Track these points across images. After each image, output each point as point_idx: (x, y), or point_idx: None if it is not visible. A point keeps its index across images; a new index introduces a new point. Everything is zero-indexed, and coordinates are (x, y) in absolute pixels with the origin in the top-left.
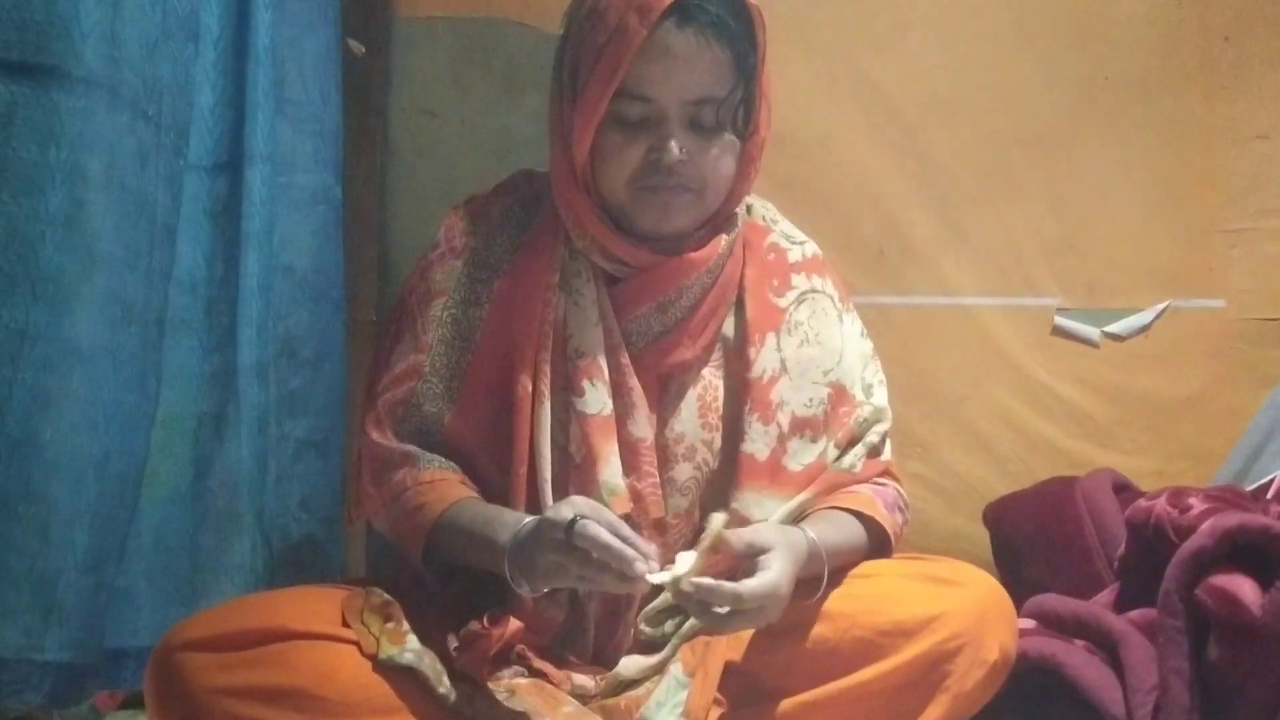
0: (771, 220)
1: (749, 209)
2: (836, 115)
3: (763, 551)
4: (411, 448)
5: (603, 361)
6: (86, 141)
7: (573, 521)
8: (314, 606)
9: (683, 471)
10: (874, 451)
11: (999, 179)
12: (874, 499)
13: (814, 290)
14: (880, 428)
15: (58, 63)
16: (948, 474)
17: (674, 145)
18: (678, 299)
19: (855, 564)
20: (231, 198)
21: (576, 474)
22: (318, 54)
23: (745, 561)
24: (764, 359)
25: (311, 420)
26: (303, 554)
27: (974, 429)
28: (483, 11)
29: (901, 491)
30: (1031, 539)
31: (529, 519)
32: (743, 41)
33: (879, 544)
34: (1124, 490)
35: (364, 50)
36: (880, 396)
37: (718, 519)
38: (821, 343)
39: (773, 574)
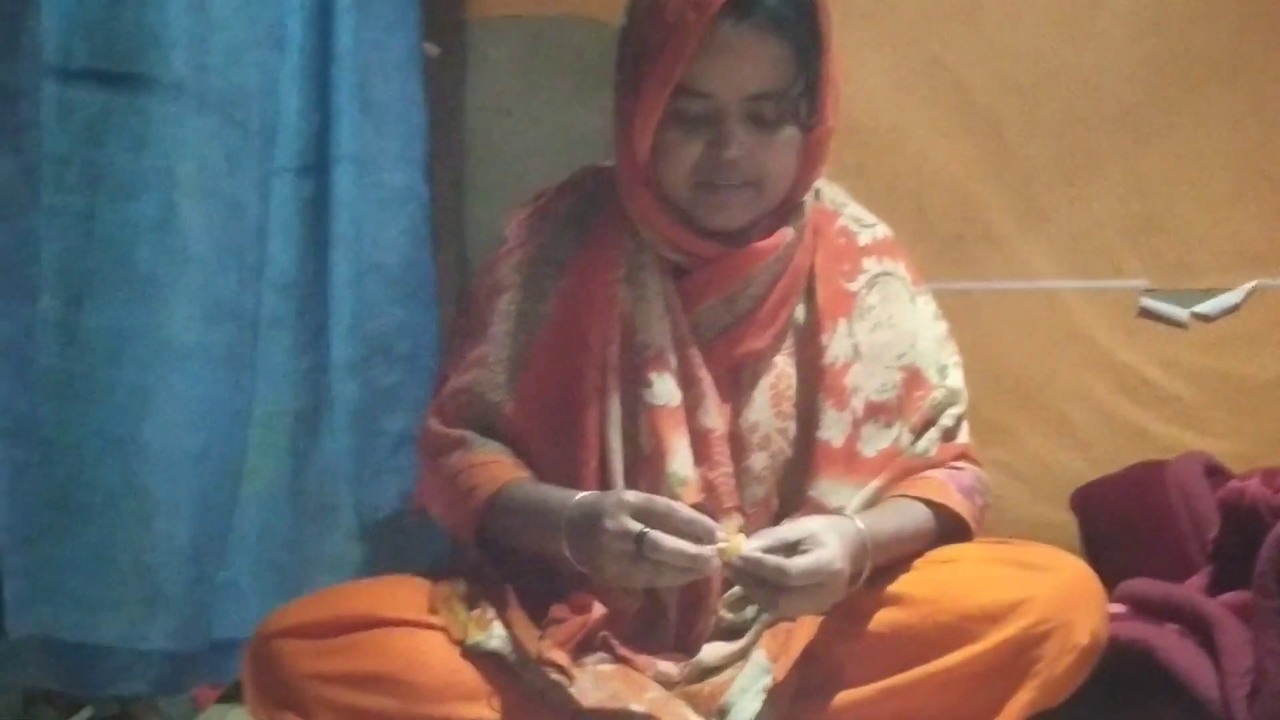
0: (840, 204)
1: (817, 193)
2: (909, 101)
3: (806, 537)
4: (466, 433)
5: (670, 353)
6: (177, 147)
7: (641, 534)
8: (403, 594)
9: (758, 461)
10: (948, 435)
11: (1080, 159)
12: (946, 484)
13: (885, 273)
14: (954, 410)
15: (149, 71)
16: (1031, 461)
17: (734, 142)
18: (745, 289)
19: (922, 551)
20: (320, 199)
21: (646, 466)
22: (400, 55)
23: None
24: (836, 345)
25: (408, 415)
26: (402, 546)
27: (1057, 415)
28: (552, 9)
29: (980, 475)
30: (1121, 524)
31: (577, 503)
32: (803, 32)
33: (954, 530)
34: (1215, 474)
35: (439, 51)
36: (955, 378)
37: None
38: (894, 326)
39: (823, 552)
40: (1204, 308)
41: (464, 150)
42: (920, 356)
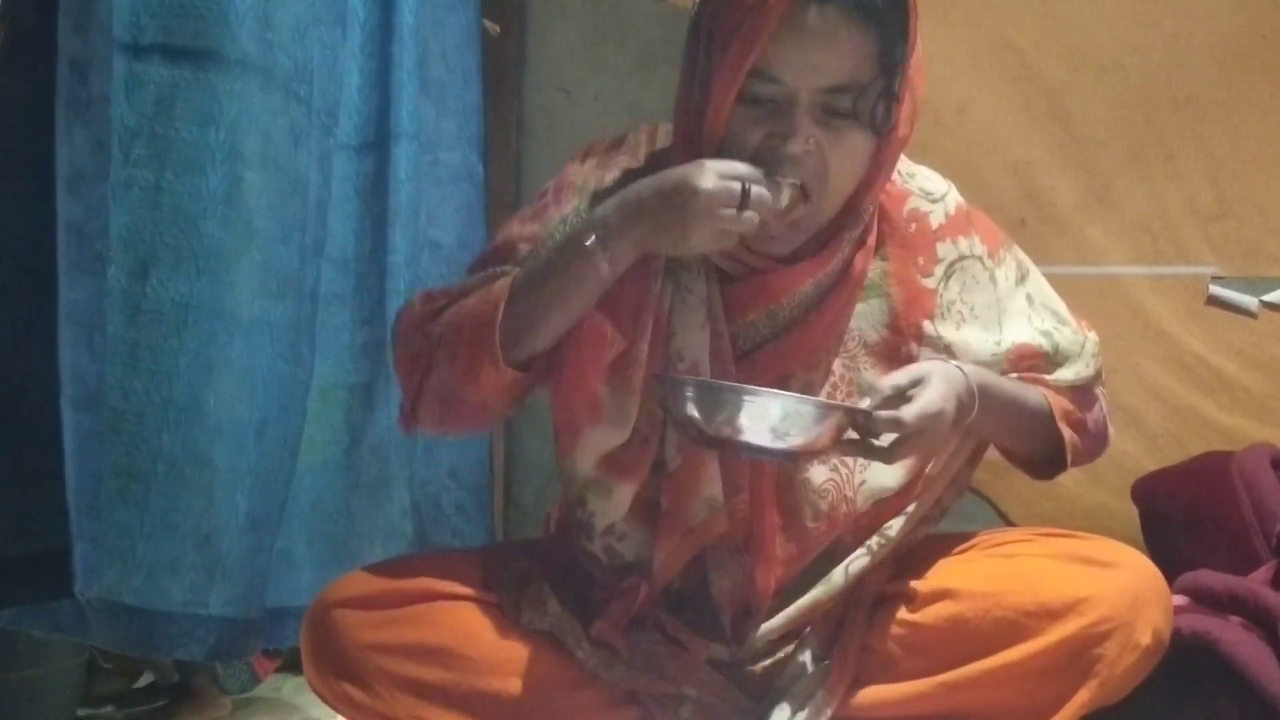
0: (908, 174)
1: None
2: (975, 81)
3: (915, 384)
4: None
5: (706, 367)
6: (243, 122)
7: (746, 189)
8: (458, 570)
9: (818, 474)
10: (1082, 395)
11: (1149, 142)
12: (1063, 398)
13: (961, 257)
14: (1070, 374)
15: (215, 47)
16: None
17: (800, 135)
18: (790, 302)
19: (1023, 429)
20: (379, 176)
21: (669, 483)
22: (458, 34)
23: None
24: (927, 352)
25: None
26: (452, 521)
27: (1121, 403)
28: None
29: (1102, 420)
30: (1184, 516)
31: (637, 188)
32: (892, 28)
33: (1056, 451)
34: None
35: (499, 30)
36: (1064, 336)
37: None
38: (978, 316)
39: (930, 394)
40: (1274, 296)
41: (522, 128)
42: (1015, 333)
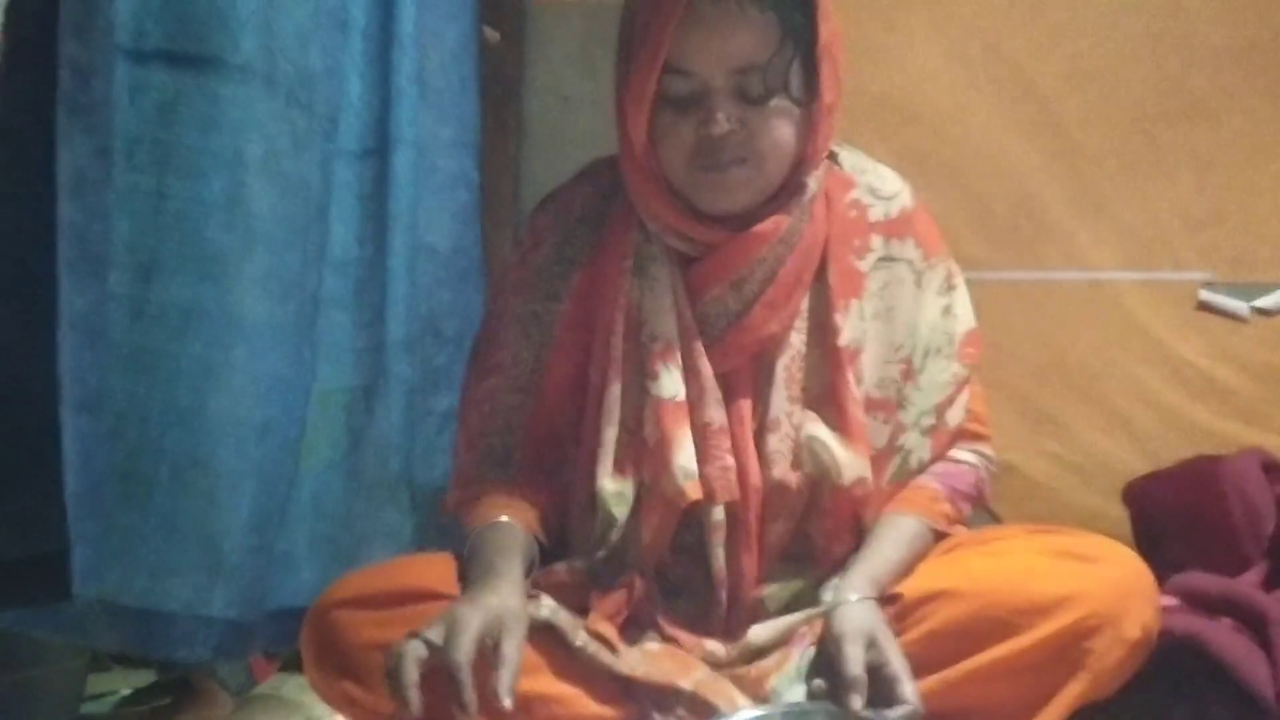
0: (860, 170)
1: (835, 159)
2: (968, 87)
3: (869, 646)
4: (477, 472)
5: (677, 346)
6: (246, 128)
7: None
8: (459, 568)
9: (771, 443)
10: (934, 429)
11: (1140, 149)
12: (938, 495)
13: (890, 257)
14: (930, 407)
15: (218, 53)
16: (1084, 453)
17: (720, 117)
18: (750, 274)
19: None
20: (379, 181)
21: (650, 458)
22: (457, 42)
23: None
24: (850, 327)
25: (454, 395)
26: (448, 523)
27: (1112, 407)
28: None
29: (977, 463)
30: (1175, 519)
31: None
32: (786, 2)
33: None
34: (1273, 471)
35: (499, 37)
36: (935, 368)
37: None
38: (893, 318)
39: (893, 653)
40: (1264, 302)
41: (522, 135)
42: (915, 348)
